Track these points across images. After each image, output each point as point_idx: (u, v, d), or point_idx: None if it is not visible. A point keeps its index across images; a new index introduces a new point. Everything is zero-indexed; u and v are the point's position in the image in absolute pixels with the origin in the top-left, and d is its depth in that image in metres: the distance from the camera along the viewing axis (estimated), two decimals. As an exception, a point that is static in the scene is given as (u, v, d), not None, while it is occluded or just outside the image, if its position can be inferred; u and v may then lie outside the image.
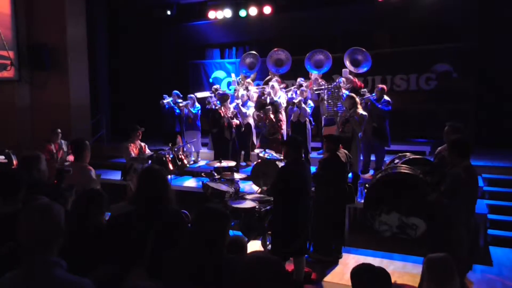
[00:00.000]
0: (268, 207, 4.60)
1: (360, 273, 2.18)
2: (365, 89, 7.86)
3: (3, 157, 6.18)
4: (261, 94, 8.90)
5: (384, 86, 7.63)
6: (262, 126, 7.73)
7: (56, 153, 6.97)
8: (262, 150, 6.90)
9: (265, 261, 1.84)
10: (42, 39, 9.61)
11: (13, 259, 1.93)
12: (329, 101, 7.89)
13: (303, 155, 4.68)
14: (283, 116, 8.01)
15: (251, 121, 8.63)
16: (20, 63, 9.52)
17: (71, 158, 7.18)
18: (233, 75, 10.30)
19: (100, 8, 11.78)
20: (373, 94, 7.48)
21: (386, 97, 7.30)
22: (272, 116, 7.65)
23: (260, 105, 7.86)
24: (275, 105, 7.86)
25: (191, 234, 2.25)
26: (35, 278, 1.64)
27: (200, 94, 9.27)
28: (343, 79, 8.29)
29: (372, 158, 7.42)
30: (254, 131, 8.82)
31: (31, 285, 1.63)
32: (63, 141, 7.22)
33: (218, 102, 8.28)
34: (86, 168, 4.02)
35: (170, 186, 2.69)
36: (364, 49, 8.60)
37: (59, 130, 7.13)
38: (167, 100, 9.00)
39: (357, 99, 6.91)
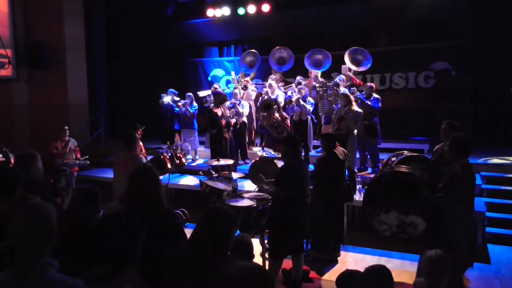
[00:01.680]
0: (266, 205, 4.60)
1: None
2: (354, 88, 7.85)
3: (0, 155, 6.16)
4: (259, 95, 8.88)
5: (373, 84, 7.64)
6: (269, 126, 7.62)
7: (62, 150, 6.90)
8: (261, 148, 6.89)
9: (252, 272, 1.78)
10: (40, 37, 9.59)
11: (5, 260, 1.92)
12: (329, 99, 7.86)
13: (302, 153, 4.68)
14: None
15: (245, 119, 8.61)
16: (17, 61, 9.50)
17: (78, 155, 7.17)
18: (232, 73, 10.28)
19: (98, 6, 11.75)
20: (363, 93, 7.49)
21: (375, 95, 7.31)
22: (277, 115, 7.60)
23: (266, 105, 7.74)
24: (277, 103, 7.83)
25: (197, 234, 2.24)
26: (27, 279, 1.61)
27: (202, 93, 9.24)
28: (343, 77, 8.27)
29: (368, 156, 7.43)
30: (247, 129, 8.80)
31: (22, 286, 1.60)
32: (71, 139, 7.14)
33: (211, 103, 8.21)
34: (138, 156, 4.34)
35: (161, 185, 2.68)
36: (365, 49, 8.55)
37: (66, 127, 7.07)
38: (166, 98, 8.98)
39: (352, 97, 6.93)
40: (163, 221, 2.47)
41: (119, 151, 4.55)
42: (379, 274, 2.36)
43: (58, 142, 6.90)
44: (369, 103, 7.15)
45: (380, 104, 7.23)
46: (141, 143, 6.80)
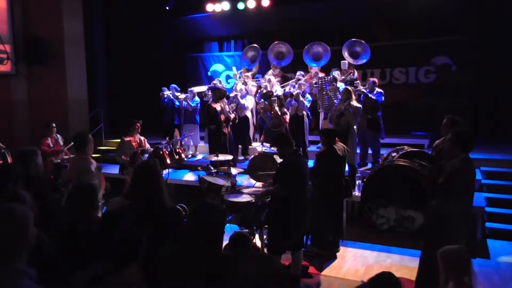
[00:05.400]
0: (265, 201, 4.58)
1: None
2: (358, 81, 7.84)
3: None
4: (258, 88, 8.86)
5: (376, 79, 7.64)
6: (267, 117, 7.68)
7: (53, 147, 6.93)
8: (260, 144, 6.89)
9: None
10: (39, 32, 9.53)
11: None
12: (329, 93, 7.85)
13: (300, 149, 4.68)
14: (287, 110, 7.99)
15: (249, 114, 8.59)
16: (16, 57, 9.44)
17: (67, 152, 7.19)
18: (234, 68, 10.25)
19: (98, 1, 11.69)
20: (365, 87, 7.48)
21: (378, 89, 7.31)
22: (277, 108, 7.64)
23: (265, 95, 7.82)
24: (281, 99, 7.83)
25: (187, 231, 2.23)
26: None
27: (197, 89, 9.20)
28: (337, 71, 8.25)
29: (369, 151, 7.42)
30: (251, 125, 8.79)
31: None
32: (58, 136, 7.18)
33: (210, 98, 8.20)
34: (87, 160, 4.15)
35: (163, 182, 2.66)
36: (363, 41, 8.54)
37: (53, 124, 7.09)
38: (167, 92, 8.96)
39: (353, 92, 6.92)
40: (169, 219, 2.45)
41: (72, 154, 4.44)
42: (387, 283, 2.28)
43: (48, 140, 6.93)
44: (372, 97, 7.16)
45: (383, 98, 7.23)
46: (142, 137, 6.83)
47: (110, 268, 2.20)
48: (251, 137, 9.04)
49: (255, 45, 9.90)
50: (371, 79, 7.66)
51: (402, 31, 9.78)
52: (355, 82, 7.79)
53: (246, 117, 8.55)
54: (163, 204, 2.55)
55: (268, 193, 4.33)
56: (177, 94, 8.99)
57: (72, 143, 4.87)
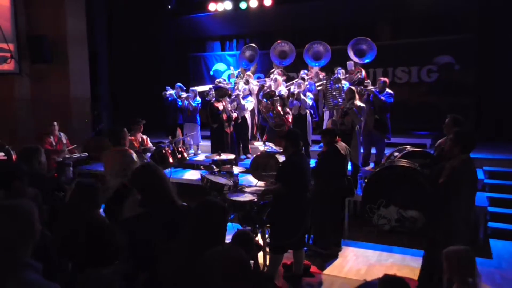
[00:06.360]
0: (267, 200, 4.59)
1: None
2: (368, 81, 7.81)
3: (2, 153, 6.18)
4: (261, 87, 8.85)
5: (387, 79, 7.59)
6: (269, 117, 7.67)
7: (56, 145, 6.98)
8: (262, 143, 6.89)
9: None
10: (42, 31, 9.56)
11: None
12: (333, 93, 7.84)
13: (302, 148, 4.69)
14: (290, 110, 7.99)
15: (247, 115, 8.59)
16: (20, 55, 9.48)
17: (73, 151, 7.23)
18: (232, 68, 10.26)
19: (100, 0, 11.71)
20: (375, 87, 7.46)
21: (388, 90, 7.27)
22: (279, 108, 7.63)
23: (268, 94, 7.80)
24: (283, 99, 7.82)
25: (189, 229, 2.24)
26: (7, 281, 1.51)
27: (200, 88, 9.21)
28: (342, 70, 8.24)
29: (373, 151, 7.40)
30: (250, 124, 8.79)
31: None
32: (62, 134, 7.22)
33: (213, 97, 8.20)
34: (127, 151, 4.34)
35: (168, 179, 2.66)
36: (368, 39, 8.49)
37: (55, 123, 7.14)
38: (170, 91, 8.97)
39: (356, 92, 6.90)
40: (179, 220, 2.45)
41: (107, 147, 4.58)
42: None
43: (50, 138, 7.00)
44: (382, 98, 7.14)
45: (392, 99, 7.19)
46: (144, 136, 6.85)
47: (128, 271, 2.20)
48: (250, 136, 9.03)
49: (252, 44, 9.89)
50: (382, 78, 7.54)
51: (404, 31, 9.76)
52: (365, 81, 7.73)
53: (245, 117, 8.55)
54: (177, 205, 2.55)
55: (268, 192, 4.37)
56: (182, 93, 9.00)
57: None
